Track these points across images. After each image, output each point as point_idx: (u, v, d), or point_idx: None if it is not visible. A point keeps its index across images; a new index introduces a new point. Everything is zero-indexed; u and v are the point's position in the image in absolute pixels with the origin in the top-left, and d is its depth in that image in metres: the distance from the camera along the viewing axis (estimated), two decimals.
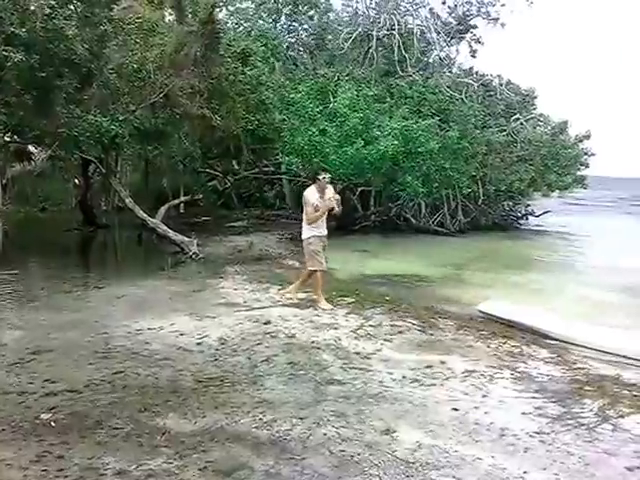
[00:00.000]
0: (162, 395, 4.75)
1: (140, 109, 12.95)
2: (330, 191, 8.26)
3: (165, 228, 13.01)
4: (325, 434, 4.13)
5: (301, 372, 5.41)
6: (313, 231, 8.17)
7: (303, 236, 8.29)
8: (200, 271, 10.94)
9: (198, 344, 6.24)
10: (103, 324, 6.93)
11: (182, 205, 21.10)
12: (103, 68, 11.15)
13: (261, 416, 4.40)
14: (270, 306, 8.09)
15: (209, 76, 13.18)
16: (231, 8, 20.62)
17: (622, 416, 4.56)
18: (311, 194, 8.20)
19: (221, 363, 5.63)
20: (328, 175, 8.40)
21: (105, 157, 14.76)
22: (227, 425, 4.24)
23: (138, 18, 12.51)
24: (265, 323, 7.10)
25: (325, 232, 8.30)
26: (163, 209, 15.61)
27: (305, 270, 8.47)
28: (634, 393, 5.04)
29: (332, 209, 8.13)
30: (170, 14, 14.65)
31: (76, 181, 20.16)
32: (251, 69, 14.97)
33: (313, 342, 6.39)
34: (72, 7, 10.64)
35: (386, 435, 4.14)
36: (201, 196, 22.07)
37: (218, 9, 13.55)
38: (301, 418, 4.38)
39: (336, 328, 7.00)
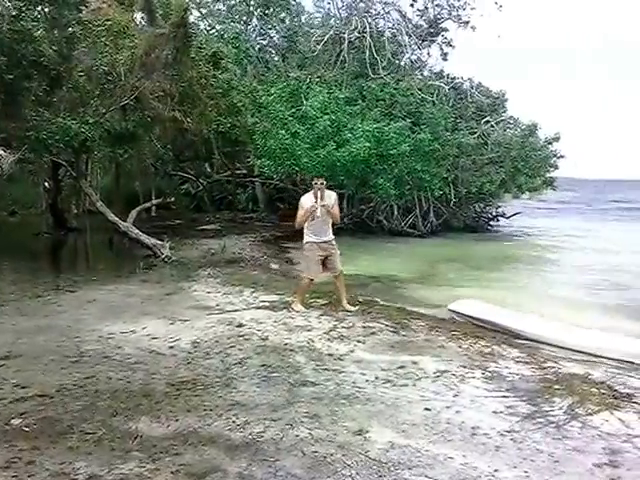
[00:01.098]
0: (134, 399, 4.71)
1: (111, 112, 12.84)
2: (330, 198, 8.06)
3: (137, 231, 12.91)
4: (298, 435, 4.13)
5: (274, 374, 5.40)
6: (310, 237, 8.01)
7: (304, 241, 8.17)
8: (172, 274, 10.88)
9: (170, 347, 6.20)
10: (74, 328, 6.86)
11: (154, 208, 20.98)
12: (72, 70, 11.05)
13: (234, 418, 4.38)
14: (243, 309, 8.08)
15: (180, 79, 13.12)
16: (203, 11, 20.55)
17: (590, 414, 4.62)
18: (306, 199, 8.04)
19: (194, 366, 5.60)
20: (321, 180, 8.14)
21: (75, 160, 14.61)
22: (200, 428, 4.22)
23: (108, 20, 12.39)
24: (238, 326, 7.08)
25: (325, 238, 8.03)
26: (134, 212, 15.48)
27: (336, 279, 8.27)
28: (602, 391, 5.10)
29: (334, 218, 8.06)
30: (140, 16, 14.55)
31: (46, 184, 19.91)
32: (222, 72, 14.93)
33: (286, 344, 6.39)
34: (40, 8, 10.52)
35: (359, 435, 4.15)
36: (173, 199, 21.95)
37: (189, 12, 13.44)
38: (274, 420, 4.37)
39: (309, 330, 7.01)
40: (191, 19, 14.71)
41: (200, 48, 14.22)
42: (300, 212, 7.97)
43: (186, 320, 7.32)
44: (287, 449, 3.93)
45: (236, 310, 7.98)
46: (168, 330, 6.85)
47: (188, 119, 14.15)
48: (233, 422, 4.33)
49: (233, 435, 4.13)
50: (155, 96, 12.91)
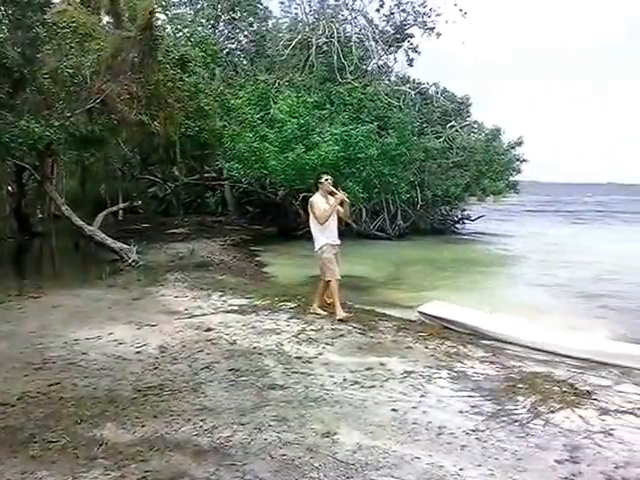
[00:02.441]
0: (100, 405, 4.66)
1: (76, 115, 12.67)
2: (338, 195, 8.00)
3: (103, 236, 12.77)
4: (266, 439, 4.13)
5: (242, 378, 5.40)
6: (326, 239, 7.88)
7: (316, 246, 7.97)
8: (140, 279, 10.78)
9: (137, 353, 6.15)
10: (38, 335, 6.75)
11: (121, 212, 20.76)
12: (36, 73, 10.88)
13: (202, 423, 4.37)
14: (212, 313, 8.04)
15: (147, 82, 13.00)
16: (169, 14, 20.42)
17: (552, 411, 4.71)
18: (319, 200, 7.96)
19: (161, 371, 5.56)
20: (330, 177, 8.13)
21: (40, 163, 14.38)
22: (167, 434, 4.20)
23: (73, 22, 12.24)
24: (206, 330, 7.05)
25: (338, 240, 8.04)
26: (101, 216, 15.30)
27: (321, 282, 8.09)
28: (564, 389, 5.21)
29: (342, 205, 8.00)
30: (107, 19, 14.39)
31: (10, 188, 19.56)
32: (190, 75, 14.85)
33: (255, 348, 6.39)
34: (2, 9, 10.35)
35: (327, 438, 4.17)
36: (141, 203, 21.76)
37: (156, 15, 13.34)
38: (242, 424, 4.37)
39: (278, 333, 7.02)
40: (158, 22, 14.59)
41: (167, 51, 14.12)
42: (317, 212, 7.86)
43: (153, 325, 7.26)
44: (255, 453, 3.93)
45: (204, 314, 7.95)
46: (135, 335, 6.79)
47: (155, 122, 14.03)
48: (201, 427, 4.31)
49: (201, 440, 4.11)
50: (122, 99, 12.77)
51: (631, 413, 4.71)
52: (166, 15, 19.33)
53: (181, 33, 18.56)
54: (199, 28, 20.21)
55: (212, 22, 21.89)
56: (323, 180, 8.05)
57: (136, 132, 14.99)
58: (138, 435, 4.17)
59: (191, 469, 3.70)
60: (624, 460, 3.91)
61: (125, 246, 12.46)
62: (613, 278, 12.82)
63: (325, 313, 7.95)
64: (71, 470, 3.66)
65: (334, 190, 8.01)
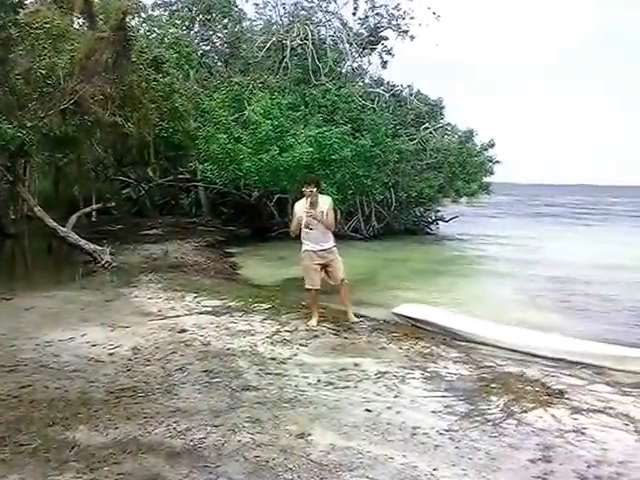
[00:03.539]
0: (72, 408, 4.62)
1: (49, 116, 12.51)
2: (325, 204, 7.59)
3: (76, 237, 12.62)
4: (240, 441, 4.13)
5: (216, 379, 5.38)
6: (306, 245, 7.66)
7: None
8: (113, 280, 10.69)
9: (110, 355, 6.10)
10: (10, 337, 6.67)
11: (94, 213, 20.54)
12: (9, 73, 10.74)
13: (175, 425, 4.35)
14: (185, 314, 8.00)
15: (121, 83, 12.90)
16: (143, 15, 20.28)
17: (525, 411, 4.77)
18: (299, 207, 7.71)
19: (134, 373, 5.52)
20: (311, 188, 7.60)
21: (12, 164, 14.17)
22: (140, 436, 4.17)
23: (46, 23, 12.09)
24: (180, 332, 7.02)
25: (324, 246, 7.64)
26: (74, 217, 15.10)
27: (341, 287, 7.87)
28: (536, 389, 5.27)
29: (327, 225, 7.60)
30: (80, 19, 14.26)
31: None
32: (164, 76, 14.76)
33: (229, 349, 6.37)
34: None
35: (301, 439, 4.18)
36: (114, 204, 21.56)
37: (130, 16, 13.25)
38: (216, 426, 4.36)
39: (252, 334, 7.01)
40: (132, 23, 14.51)
41: (141, 52, 14.03)
42: (293, 220, 7.75)
43: (126, 327, 7.21)
44: (229, 455, 3.92)
45: (178, 316, 7.91)
46: (108, 337, 6.73)
47: (129, 123, 13.93)
48: (174, 429, 4.29)
49: (174, 442, 4.09)
50: (95, 100, 12.65)
51: (603, 412, 4.78)
52: (140, 16, 19.21)
53: (155, 34, 18.44)
54: (173, 29, 20.10)
55: (187, 24, 21.77)
56: (303, 189, 7.69)
57: (110, 133, 14.89)
58: (111, 437, 4.14)
59: (164, 471, 3.68)
60: (596, 459, 3.97)
61: (98, 247, 12.34)
62: (584, 279, 12.98)
63: (357, 320, 7.77)
64: (43, 473, 3.62)
65: (316, 200, 7.57)
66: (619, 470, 3.81)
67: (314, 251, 7.62)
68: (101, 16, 13.40)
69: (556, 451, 4.08)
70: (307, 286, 7.69)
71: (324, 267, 7.69)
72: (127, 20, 12.36)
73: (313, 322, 7.53)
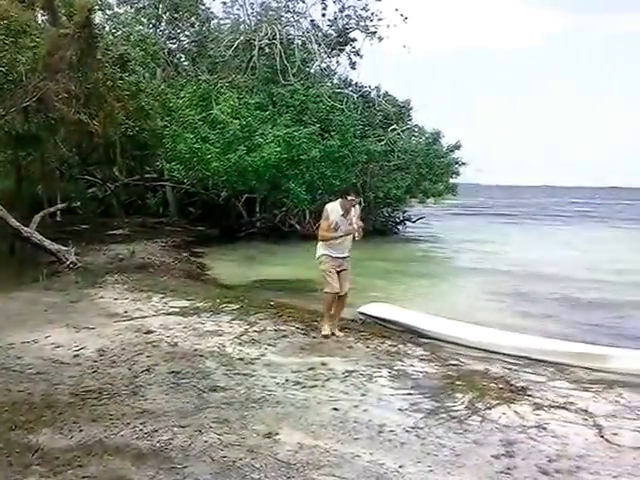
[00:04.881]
0: (35, 411, 4.55)
1: (11, 113, 12.29)
2: (355, 213, 7.14)
3: (40, 237, 12.40)
4: (207, 441, 4.12)
5: (183, 380, 5.36)
6: (325, 250, 7.19)
7: (316, 255, 7.32)
8: (78, 281, 10.52)
9: (75, 356, 6.03)
10: None
11: (59, 213, 20.22)
12: None
13: (141, 427, 4.32)
14: (152, 315, 7.94)
15: (86, 81, 12.74)
16: (109, 12, 20.04)
17: (489, 408, 4.85)
18: (334, 209, 7.14)
19: (100, 375, 5.47)
20: (358, 199, 7.36)
21: None
22: (105, 438, 4.13)
23: (6, 18, 11.87)
24: (146, 332, 6.97)
25: (343, 254, 7.25)
26: (38, 217, 14.83)
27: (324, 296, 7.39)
28: (500, 386, 5.37)
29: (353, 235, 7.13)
30: (42, 15, 14.02)
31: None
32: (130, 74, 14.61)
33: (196, 350, 6.34)
34: None
35: (268, 438, 4.18)
36: (79, 203, 21.23)
37: (94, 13, 13.08)
38: (183, 427, 4.34)
39: (220, 335, 6.99)
40: (96, 20, 14.33)
41: (106, 50, 13.87)
42: (324, 224, 7.16)
43: (92, 328, 7.13)
44: (196, 455, 3.91)
45: (144, 317, 7.84)
46: (73, 338, 6.65)
47: (95, 121, 13.75)
48: (140, 430, 4.27)
49: (140, 444, 4.07)
50: (60, 98, 12.46)
51: (563, 408, 4.89)
52: (105, 13, 19.00)
53: (121, 32, 18.24)
54: (139, 27, 19.91)
55: (153, 22, 21.57)
56: (349, 199, 7.12)
57: (75, 131, 14.67)
58: (75, 440, 4.09)
59: (130, 473, 3.66)
60: (557, 453, 4.06)
61: (63, 248, 12.14)
62: (544, 278, 13.19)
63: (342, 334, 7.22)
64: (5, 477, 3.56)
65: (354, 212, 7.14)
66: (578, 464, 3.89)
67: (332, 257, 7.18)
68: (64, 12, 13.19)
69: (519, 446, 4.15)
70: (328, 290, 7.16)
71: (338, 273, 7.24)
72: (92, 17, 12.18)
73: (327, 330, 7.12)
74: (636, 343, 7.51)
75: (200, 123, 16.96)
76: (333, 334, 7.14)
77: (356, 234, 7.03)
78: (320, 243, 7.24)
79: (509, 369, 5.96)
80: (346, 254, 7.30)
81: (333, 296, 7.17)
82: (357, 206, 7.27)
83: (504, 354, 6.57)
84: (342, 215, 7.07)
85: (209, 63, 20.87)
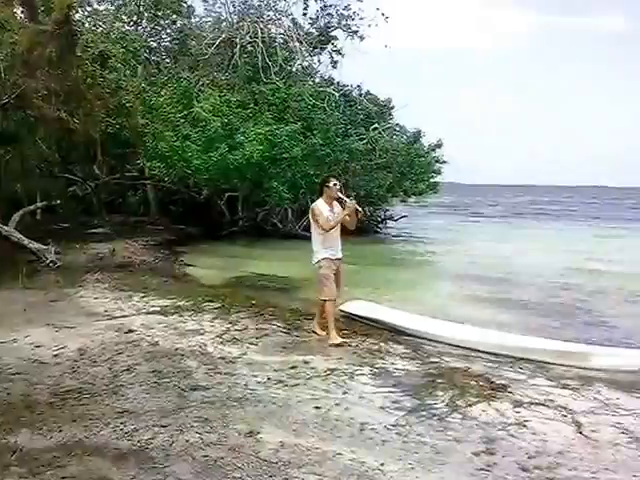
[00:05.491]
0: (14, 411, 4.51)
1: None
2: (348, 203, 6.83)
3: (19, 236, 12.29)
4: (188, 440, 4.10)
5: (164, 380, 5.33)
6: (325, 252, 6.84)
7: (313, 258, 6.93)
8: (58, 280, 10.44)
9: (55, 356, 5.99)
10: None
11: (39, 211, 20.04)
12: None
13: (122, 426, 4.30)
14: (133, 314, 7.90)
15: (65, 78, 12.62)
16: (89, 9, 19.86)
17: (470, 405, 4.88)
18: (322, 207, 6.86)
19: (80, 374, 5.43)
20: (338, 182, 7.02)
21: None
22: (85, 438, 4.11)
23: None
24: (127, 332, 6.93)
25: (340, 254, 6.98)
26: (17, 216, 14.71)
27: (317, 300, 7.14)
28: (481, 383, 5.40)
29: (356, 216, 6.89)
30: (21, 11, 13.86)
31: None
32: (110, 72, 14.50)
33: (177, 349, 6.32)
34: None
35: (250, 437, 4.18)
36: (59, 202, 21.04)
37: (74, 9, 12.96)
38: (164, 426, 4.32)
39: (201, 334, 6.97)
40: (76, 17, 14.20)
41: (86, 47, 13.75)
42: (321, 219, 6.77)
43: (72, 327, 7.08)
44: (177, 455, 3.90)
45: (125, 316, 7.81)
46: (53, 338, 6.61)
47: (74, 119, 13.63)
48: (121, 430, 4.24)
49: (121, 443, 4.05)
50: (39, 95, 12.34)
51: (543, 405, 4.93)
52: (85, 10, 18.84)
53: (101, 29, 18.08)
54: (120, 24, 19.75)
55: (134, 19, 21.40)
56: (331, 185, 6.90)
57: (54, 129, 14.54)
58: (55, 440, 4.07)
59: (111, 473, 3.64)
60: (536, 450, 4.10)
61: (43, 246, 12.06)
62: (522, 276, 13.29)
63: (323, 334, 7.02)
64: None
65: (342, 197, 6.95)
66: (557, 460, 3.93)
67: (333, 259, 6.89)
68: (43, 8, 13.05)
69: (499, 444, 4.18)
70: (326, 297, 6.85)
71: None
72: (71, 14, 12.07)
73: (336, 338, 6.78)
74: (615, 340, 7.60)
75: (181, 121, 16.87)
76: (314, 332, 7.11)
77: (358, 209, 6.82)
78: (318, 246, 6.88)
79: (490, 367, 6.00)
80: (341, 254, 7.04)
81: (334, 302, 6.92)
82: (346, 198, 6.94)
83: (485, 352, 6.61)
84: (330, 210, 6.88)
85: (190, 61, 20.74)
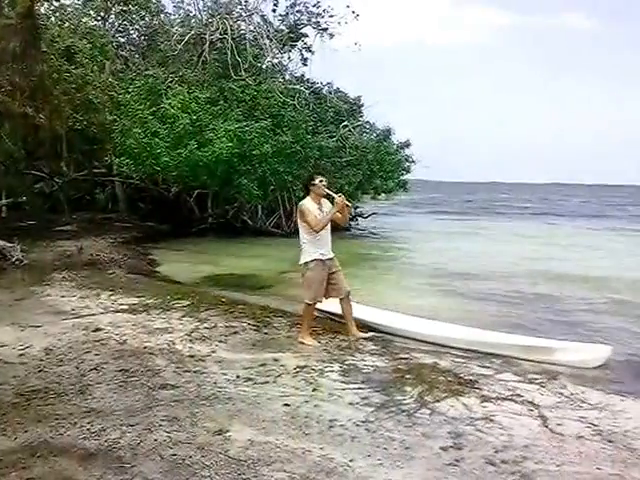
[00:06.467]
0: None
1: None
2: (337, 200, 6.63)
3: None
4: (156, 439, 4.07)
5: (132, 378, 5.28)
6: (315, 253, 6.64)
7: (301, 260, 6.74)
8: (24, 278, 10.27)
9: (20, 355, 5.89)
10: None
11: (4, 209, 19.72)
12: None
13: (89, 426, 4.24)
14: (100, 313, 7.81)
15: (31, 73, 12.42)
16: (55, 3, 19.51)
17: (438, 400, 4.92)
18: (311, 206, 6.65)
19: (46, 374, 5.35)
20: (324, 179, 6.83)
21: None
22: (51, 438, 4.05)
23: None
24: (95, 330, 6.85)
25: (331, 254, 6.81)
26: None
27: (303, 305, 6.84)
28: (449, 379, 5.45)
29: (343, 211, 6.68)
30: None
31: None
32: (77, 67, 14.30)
33: (145, 347, 6.26)
34: None
35: (219, 435, 4.16)
36: (26, 199, 20.71)
37: (39, 3, 12.76)
38: (131, 425, 4.28)
39: (170, 332, 6.91)
40: (41, 11, 13.97)
41: (52, 41, 13.55)
42: (311, 217, 6.57)
43: (38, 326, 6.97)
44: (145, 454, 3.87)
45: (93, 314, 7.71)
46: (18, 337, 6.50)
47: (40, 115, 13.43)
48: (88, 430, 4.19)
49: (87, 443, 4.00)
50: (3, 90, 12.13)
51: (510, 399, 4.99)
52: (52, 4, 18.52)
53: (68, 24, 17.80)
54: (87, 19, 19.47)
55: (102, 14, 21.13)
56: (317, 182, 6.74)
57: (20, 125, 14.31)
58: (20, 441, 4.00)
59: (77, 474, 3.60)
60: (503, 444, 4.14)
61: (8, 244, 11.85)
62: (488, 272, 13.42)
63: (367, 335, 6.88)
64: None
65: (330, 193, 6.79)
66: (524, 454, 3.99)
67: (324, 259, 6.71)
68: (7, 2, 12.81)
69: (467, 438, 4.23)
70: (309, 300, 6.67)
71: (328, 278, 6.76)
72: (36, 7, 11.88)
73: (311, 340, 6.64)
74: (579, 335, 7.71)
75: (150, 117, 16.71)
76: (302, 343, 6.61)
77: (347, 204, 6.68)
78: (308, 246, 6.68)
79: (458, 362, 6.04)
80: (332, 254, 6.86)
81: (313, 306, 6.75)
82: (334, 195, 6.77)
83: (453, 347, 6.68)
84: (319, 209, 6.69)
85: (159, 57, 20.54)
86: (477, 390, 5.19)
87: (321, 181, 6.75)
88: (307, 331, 6.72)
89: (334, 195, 6.76)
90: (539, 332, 7.74)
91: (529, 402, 4.93)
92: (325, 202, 6.80)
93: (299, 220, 6.79)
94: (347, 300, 6.90)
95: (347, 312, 6.93)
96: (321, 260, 6.67)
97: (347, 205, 6.73)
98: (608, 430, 4.41)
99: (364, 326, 7.40)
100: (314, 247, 6.67)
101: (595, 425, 4.49)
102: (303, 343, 6.58)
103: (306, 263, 6.69)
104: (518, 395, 5.09)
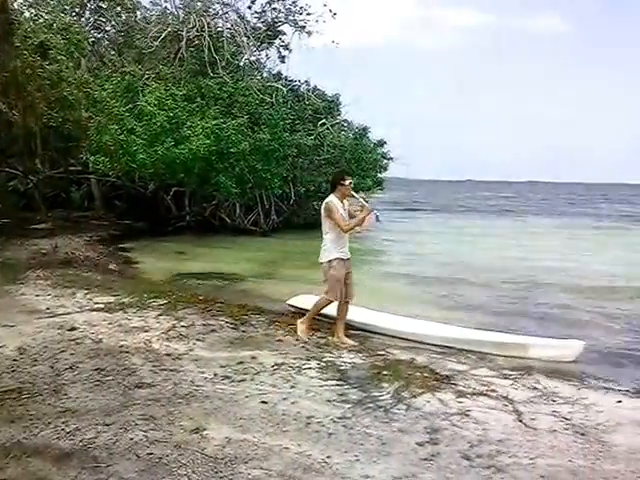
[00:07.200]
0: None
1: None
2: (366, 206, 6.68)
3: None
4: (132, 439, 4.05)
5: (108, 378, 5.24)
6: (338, 252, 6.68)
7: (323, 258, 6.76)
8: None
9: None
10: None
11: None
12: None
13: (64, 426, 4.21)
14: (76, 311, 7.72)
15: (3, 68, 12.25)
16: None
17: (414, 396, 4.97)
18: (337, 203, 6.67)
19: (19, 374, 5.29)
20: (352, 181, 6.84)
21: None
22: (25, 439, 4.01)
23: None
24: (70, 329, 6.78)
25: (349, 254, 6.86)
26: None
27: (321, 299, 6.89)
28: (425, 375, 5.50)
29: (364, 219, 6.62)
30: None
31: None
32: (51, 63, 14.12)
33: (122, 346, 6.22)
34: None
35: (196, 434, 4.15)
36: None
37: None
38: (107, 425, 4.25)
39: (147, 331, 6.87)
40: (15, 6, 13.78)
41: (25, 37, 13.36)
42: (337, 216, 6.61)
43: (12, 325, 6.88)
44: (120, 453, 3.85)
45: (68, 313, 7.62)
46: None
47: (14, 111, 13.25)
48: (62, 430, 4.16)
49: (62, 443, 3.97)
50: None
51: (485, 395, 5.06)
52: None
53: (42, 19, 17.55)
54: (62, 15, 19.20)
55: (77, 10, 20.87)
56: (347, 183, 6.74)
57: None
58: None
59: (51, 474, 3.57)
60: (478, 438, 4.19)
61: None
62: (463, 271, 13.52)
63: (353, 343, 6.72)
64: None
65: (355, 195, 6.86)
66: (498, 448, 4.04)
67: (344, 260, 6.77)
68: None
69: (442, 433, 4.27)
70: (333, 299, 6.75)
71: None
72: (7, 2, 11.72)
73: (350, 340, 6.74)
74: (551, 331, 7.80)
75: (126, 114, 16.56)
76: (340, 343, 6.67)
77: (372, 215, 6.63)
78: (331, 245, 6.72)
79: (434, 358, 6.12)
80: (350, 255, 6.91)
81: (329, 302, 6.80)
82: (356, 195, 6.88)
83: (430, 344, 6.74)
84: (343, 208, 6.72)
85: (135, 54, 20.36)
86: (453, 386, 5.25)
87: (350, 182, 6.76)
88: (342, 332, 6.80)
89: (361, 199, 6.82)
90: (514, 328, 7.83)
91: (504, 397, 5.00)
92: (346, 203, 6.83)
93: (324, 216, 6.77)
94: (349, 303, 6.97)
95: (343, 314, 6.94)
96: (342, 259, 6.72)
97: (373, 213, 6.69)
98: (580, 424, 4.48)
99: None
100: (337, 246, 6.70)
101: (567, 419, 4.57)
102: (342, 344, 6.59)
103: (330, 261, 6.70)
104: (493, 390, 5.16)
